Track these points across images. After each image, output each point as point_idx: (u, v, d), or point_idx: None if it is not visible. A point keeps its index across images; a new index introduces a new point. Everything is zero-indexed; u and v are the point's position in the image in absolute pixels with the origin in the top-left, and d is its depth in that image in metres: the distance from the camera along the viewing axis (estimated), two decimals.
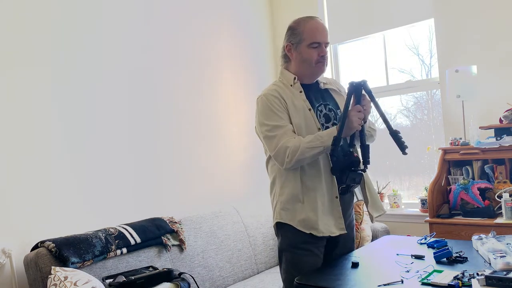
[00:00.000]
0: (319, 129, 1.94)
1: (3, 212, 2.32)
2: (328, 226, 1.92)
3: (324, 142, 1.83)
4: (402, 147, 1.82)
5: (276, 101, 1.95)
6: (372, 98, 1.88)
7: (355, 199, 2.15)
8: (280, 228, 2.00)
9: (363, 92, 1.89)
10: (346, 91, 1.91)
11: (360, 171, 1.95)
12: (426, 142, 3.51)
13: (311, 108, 1.97)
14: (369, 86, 1.88)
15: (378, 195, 3.49)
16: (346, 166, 1.92)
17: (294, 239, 1.95)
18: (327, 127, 1.96)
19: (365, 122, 1.91)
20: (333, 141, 1.79)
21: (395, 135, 1.83)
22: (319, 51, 1.96)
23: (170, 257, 2.64)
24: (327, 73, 3.80)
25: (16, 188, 2.38)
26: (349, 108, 1.86)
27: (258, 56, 3.90)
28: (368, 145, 1.93)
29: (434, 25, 3.19)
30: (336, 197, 1.94)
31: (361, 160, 1.94)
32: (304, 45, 1.96)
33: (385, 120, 1.87)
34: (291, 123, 1.94)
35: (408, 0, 3.35)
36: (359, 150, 1.98)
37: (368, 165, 1.89)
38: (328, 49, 2.03)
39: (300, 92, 1.99)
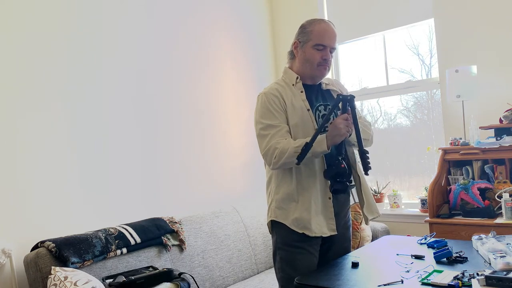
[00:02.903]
0: (316, 129, 1.94)
1: (3, 212, 2.32)
2: (320, 226, 1.93)
3: (313, 149, 1.83)
4: (365, 167, 1.86)
5: (275, 100, 1.95)
6: (354, 115, 1.87)
7: (351, 201, 2.15)
8: (275, 226, 2.01)
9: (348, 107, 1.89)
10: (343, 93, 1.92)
11: (346, 182, 1.96)
12: (426, 142, 3.51)
13: (309, 108, 1.97)
14: (355, 104, 1.89)
15: (378, 195, 3.53)
16: (333, 175, 1.93)
17: (288, 237, 1.96)
18: (325, 128, 1.96)
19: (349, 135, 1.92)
20: (303, 146, 1.80)
21: (363, 154, 1.86)
22: (323, 54, 1.95)
23: (170, 257, 2.64)
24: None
25: (16, 188, 2.38)
26: (330, 120, 1.88)
27: (258, 56, 3.90)
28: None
29: (434, 25, 3.19)
30: (329, 198, 1.96)
31: (348, 172, 1.95)
32: (309, 45, 1.96)
33: (359, 139, 1.87)
34: (288, 124, 1.95)
35: (408, 0, 3.36)
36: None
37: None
38: (333, 54, 2.03)
39: (301, 92, 1.99)
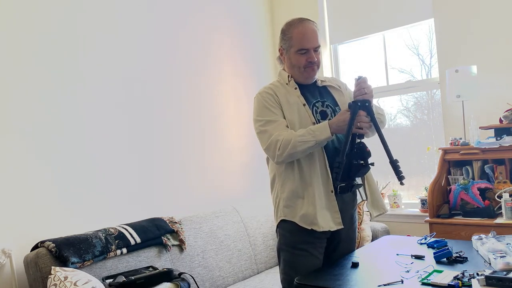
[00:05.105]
0: (314, 124, 1.94)
1: (3, 212, 2.32)
2: (326, 220, 1.92)
3: (316, 137, 1.83)
4: (399, 177, 1.84)
5: (270, 97, 1.98)
6: (373, 119, 1.87)
7: (359, 199, 2.14)
8: (279, 227, 2.01)
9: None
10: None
11: (368, 166, 1.94)
12: (426, 142, 3.51)
13: (305, 103, 1.98)
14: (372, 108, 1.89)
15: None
16: (357, 158, 1.90)
17: (292, 239, 1.95)
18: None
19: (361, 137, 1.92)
20: (337, 163, 1.80)
21: (394, 163, 1.85)
22: (307, 56, 1.96)
23: (170, 257, 2.64)
24: (327, 73, 3.80)
25: (16, 188, 2.38)
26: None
27: (258, 56, 3.90)
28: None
29: (434, 25, 3.19)
30: (332, 191, 1.94)
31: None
32: (293, 51, 1.99)
33: (387, 150, 1.87)
34: (285, 119, 1.95)
35: (408, 0, 3.36)
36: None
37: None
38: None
39: (295, 88, 2.01)
